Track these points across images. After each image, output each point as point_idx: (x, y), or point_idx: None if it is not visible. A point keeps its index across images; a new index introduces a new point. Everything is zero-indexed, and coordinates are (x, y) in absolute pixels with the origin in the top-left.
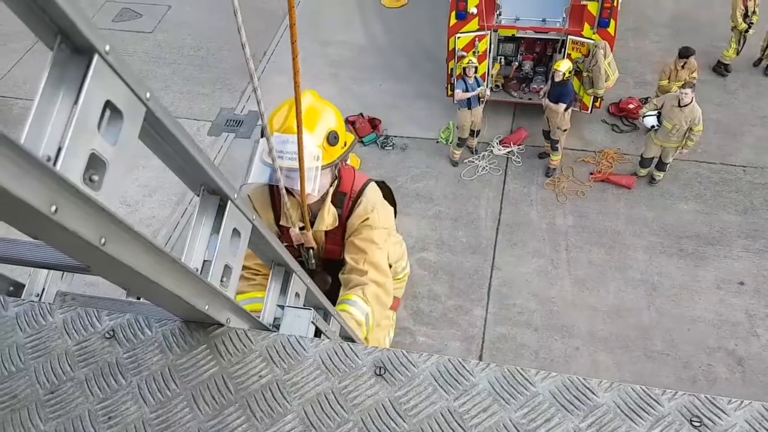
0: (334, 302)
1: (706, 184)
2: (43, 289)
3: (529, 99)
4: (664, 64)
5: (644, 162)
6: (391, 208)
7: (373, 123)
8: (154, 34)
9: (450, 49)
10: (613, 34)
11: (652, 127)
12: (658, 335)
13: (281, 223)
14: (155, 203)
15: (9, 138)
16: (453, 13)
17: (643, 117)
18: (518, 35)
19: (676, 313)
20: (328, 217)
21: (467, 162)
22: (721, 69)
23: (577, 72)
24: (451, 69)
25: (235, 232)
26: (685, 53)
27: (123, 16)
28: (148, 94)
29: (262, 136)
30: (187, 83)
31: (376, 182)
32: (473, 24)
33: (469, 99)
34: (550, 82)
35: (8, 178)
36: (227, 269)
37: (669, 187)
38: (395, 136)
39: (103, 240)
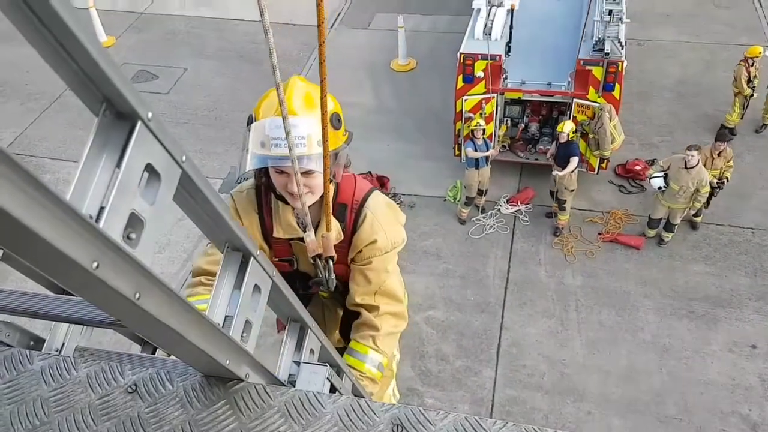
0: (346, 333)
1: (714, 245)
2: (63, 344)
3: (536, 159)
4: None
5: (652, 223)
6: (400, 216)
7: (381, 181)
8: (170, 95)
9: (457, 110)
10: (618, 98)
11: (660, 188)
12: (670, 399)
13: (275, 234)
14: (165, 259)
15: (58, 196)
16: (460, 77)
17: (650, 178)
18: (524, 98)
19: (688, 376)
20: (332, 242)
21: (475, 220)
22: (725, 132)
23: (584, 134)
24: (458, 130)
25: (256, 288)
26: (722, 138)
27: (140, 78)
28: (184, 157)
29: (249, 123)
30: (201, 142)
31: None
32: (480, 87)
33: (477, 159)
34: (555, 143)
35: (55, 234)
36: (248, 324)
37: (678, 248)
38: (403, 194)
39: (137, 295)
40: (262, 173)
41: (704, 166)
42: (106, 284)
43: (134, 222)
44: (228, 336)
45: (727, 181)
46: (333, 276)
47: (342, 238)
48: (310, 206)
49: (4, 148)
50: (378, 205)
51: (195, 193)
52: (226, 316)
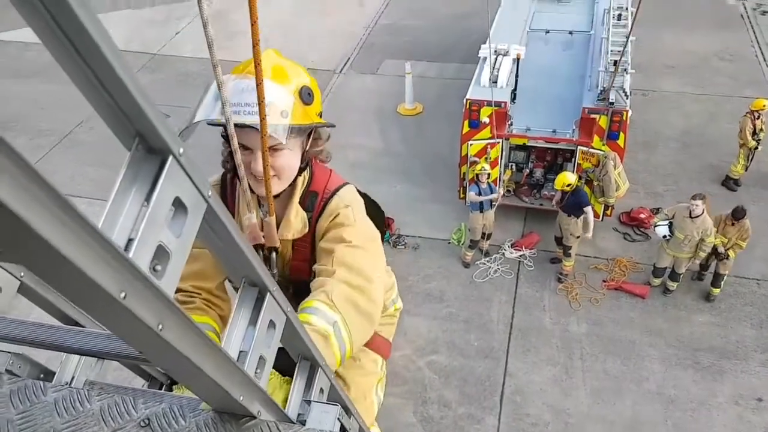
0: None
1: (720, 296)
2: (73, 377)
3: (540, 204)
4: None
5: (657, 272)
6: (372, 218)
7: (387, 222)
8: (182, 135)
9: (462, 154)
10: (622, 147)
11: (664, 237)
12: None
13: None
14: None
15: (92, 225)
16: (466, 122)
17: (655, 227)
18: (529, 144)
19: (693, 429)
20: (296, 222)
21: (479, 264)
22: (730, 183)
23: (588, 181)
24: (464, 173)
25: (271, 324)
26: (739, 215)
27: None
28: (210, 192)
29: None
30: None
31: (360, 193)
32: (485, 132)
33: (481, 202)
34: (567, 195)
35: (87, 262)
36: (261, 360)
37: (683, 297)
38: (408, 236)
39: (160, 326)
40: (228, 159)
41: (716, 230)
42: (132, 314)
43: (160, 254)
44: (243, 371)
45: (728, 258)
46: (275, 271)
47: (307, 230)
48: (276, 199)
49: (44, 174)
50: (349, 193)
51: (218, 227)
52: (240, 351)
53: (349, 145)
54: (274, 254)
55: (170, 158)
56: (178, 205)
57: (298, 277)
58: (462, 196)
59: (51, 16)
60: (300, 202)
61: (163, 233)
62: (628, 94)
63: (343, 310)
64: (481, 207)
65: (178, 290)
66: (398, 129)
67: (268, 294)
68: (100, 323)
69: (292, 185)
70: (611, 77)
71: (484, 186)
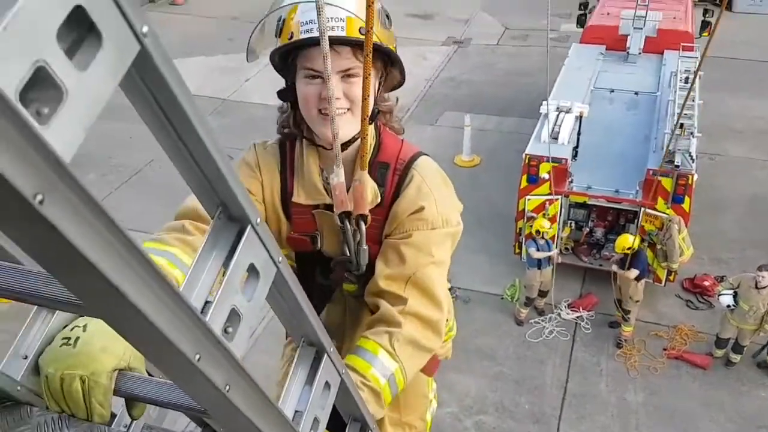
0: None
1: None
2: (132, 421)
3: (600, 265)
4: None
5: (720, 342)
6: (455, 196)
7: None
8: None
9: (520, 209)
10: (687, 211)
11: (728, 306)
12: None
13: (296, 199)
14: None
15: (172, 286)
16: (524, 177)
17: (719, 296)
18: (590, 202)
19: None
20: (367, 191)
21: (533, 323)
22: None
23: (651, 244)
24: (520, 228)
25: (326, 385)
26: None
27: None
28: (280, 258)
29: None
30: None
31: None
32: (544, 188)
33: (539, 259)
34: (626, 256)
35: (168, 325)
36: (315, 422)
37: (746, 371)
38: (459, 288)
39: (228, 387)
40: (287, 123)
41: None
42: (204, 375)
43: (232, 316)
44: None
45: None
46: (365, 248)
47: (378, 201)
48: (344, 153)
49: (137, 242)
50: (430, 169)
51: (285, 291)
52: (296, 411)
53: None
54: (363, 225)
55: (248, 227)
56: (252, 270)
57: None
58: (517, 251)
59: (159, 106)
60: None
61: (236, 297)
62: (694, 157)
63: (404, 357)
64: (539, 264)
65: (194, 212)
66: (454, 180)
67: (326, 355)
68: (168, 378)
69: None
70: (677, 140)
71: (541, 242)
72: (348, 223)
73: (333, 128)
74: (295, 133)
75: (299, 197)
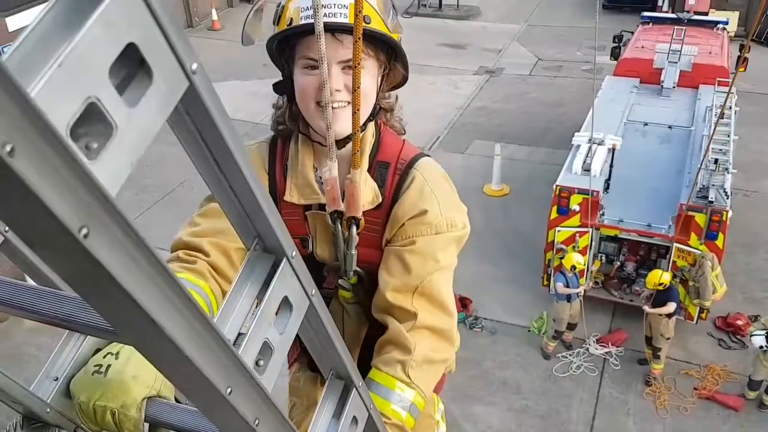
0: (369, 357)
1: None
2: None
3: (630, 300)
4: None
5: (753, 384)
6: (458, 198)
7: (464, 302)
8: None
9: (549, 240)
10: (721, 248)
11: (761, 347)
12: None
13: (287, 198)
14: None
15: (207, 319)
16: (554, 208)
17: (751, 336)
18: (621, 236)
19: None
20: (366, 190)
21: (561, 357)
22: None
23: (683, 281)
24: (549, 260)
25: (354, 420)
26: None
27: None
28: (313, 291)
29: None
30: None
31: None
32: (575, 220)
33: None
34: (656, 292)
35: (200, 357)
36: None
37: None
38: (485, 318)
39: (257, 421)
40: (282, 119)
41: None
42: (234, 409)
43: (264, 349)
44: None
45: None
46: (353, 254)
47: (379, 202)
48: (343, 150)
49: (176, 275)
50: (432, 169)
51: (316, 324)
52: None
53: None
54: (354, 229)
55: (284, 260)
56: (285, 303)
57: (365, 266)
58: (545, 283)
59: (203, 141)
60: (368, 171)
61: (269, 330)
62: (728, 193)
63: (420, 380)
64: (567, 296)
65: (184, 246)
66: (482, 209)
67: (354, 389)
68: (198, 409)
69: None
70: (711, 175)
71: (570, 275)
72: (339, 225)
73: (327, 117)
74: (291, 129)
75: (292, 196)
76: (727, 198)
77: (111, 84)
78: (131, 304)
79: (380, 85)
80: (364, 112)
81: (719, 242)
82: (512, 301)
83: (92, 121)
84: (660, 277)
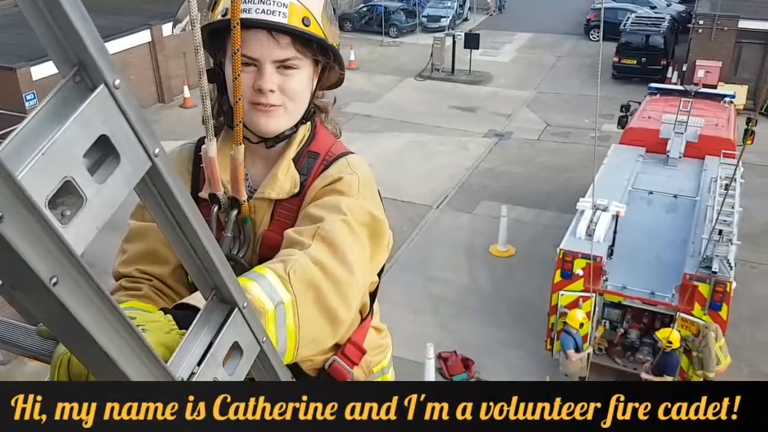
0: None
1: None
2: None
3: (634, 369)
4: None
5: None
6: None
7: (466, 363)
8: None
9: (552, 304)
10: (725, 319)
11: None
12: None
13: (201, 193)
14: None
15: (158, 360)
16: (558, 271)
17: None
18: (625, 303)
19: None
20: (285, 180)
21: None
22: None
23: (687, 350)
24: (552, 324)
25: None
26: None
27: None
28: (264, 338)
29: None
30: None
31: None
32: (578, 284)
33: (576, 345)
34: (661, 353)
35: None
36: None
37: None
38: (488, 381)
39: None
40: (221, 111)
41: None
42: None
43: None
44: None
45: None
46: (229, 236)
47: (296, 191)
48: (267, 151)
49: (132, 323)
50: (361, 163)
51: (269, 369)
52: None
53: (435, 278)
54: (234, 213)
55: (236, 310)
56: (236, 347)
57: (269, 255)
58: (549, 347)
59: (167, 206)
60: (294, 162)
61: (219, 371)
62: (732, 264)
63: (299, 293)
64: (576, 349)
65: (121, 276)
66: (487, 269)
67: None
68: None
69: (288, 139)
70: (715, 245)
71: (575, 331)
72: (217, 208)
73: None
74: (221, 123)
75: (204, 192)
76: (731, 269)
77: (84, 166)
78: (92, 342)
79: (315, 86)
80: (298, 111)
81: (723, 313)
82: (515, 364)
83: (67, 194)
84: (671, 334)
